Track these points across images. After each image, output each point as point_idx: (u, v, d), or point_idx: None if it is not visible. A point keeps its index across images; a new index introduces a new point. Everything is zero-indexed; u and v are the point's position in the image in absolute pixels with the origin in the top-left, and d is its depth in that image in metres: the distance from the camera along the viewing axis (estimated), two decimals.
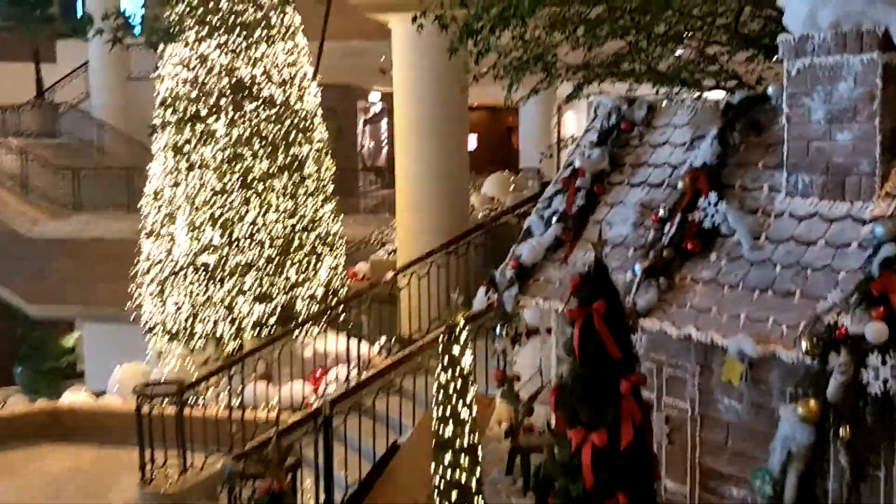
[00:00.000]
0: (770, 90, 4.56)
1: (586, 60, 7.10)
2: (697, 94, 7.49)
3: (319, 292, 10.68)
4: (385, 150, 27.37)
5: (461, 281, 9.35)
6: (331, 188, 11.14)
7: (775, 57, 6.75)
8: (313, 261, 10.65)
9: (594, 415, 3.22)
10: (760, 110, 4.58)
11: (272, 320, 10.28)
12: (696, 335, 4.05)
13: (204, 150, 10.23)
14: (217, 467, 8.26)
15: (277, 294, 10.33)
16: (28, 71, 21.41)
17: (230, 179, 10.19)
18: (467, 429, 4.46)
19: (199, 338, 10.25)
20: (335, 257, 11.03)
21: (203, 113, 10.20)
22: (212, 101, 10.24)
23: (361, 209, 18.86)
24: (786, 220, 4.12)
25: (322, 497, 6.95)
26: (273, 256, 10.34)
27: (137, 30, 10.80)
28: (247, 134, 10.26)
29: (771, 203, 4.24)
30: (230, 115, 10.24)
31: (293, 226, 10.49)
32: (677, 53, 7.24)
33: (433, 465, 4.65)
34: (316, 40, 11.37)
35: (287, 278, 10.41)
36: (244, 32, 10.32)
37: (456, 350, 4.42)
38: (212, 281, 10.22)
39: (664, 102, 5.24)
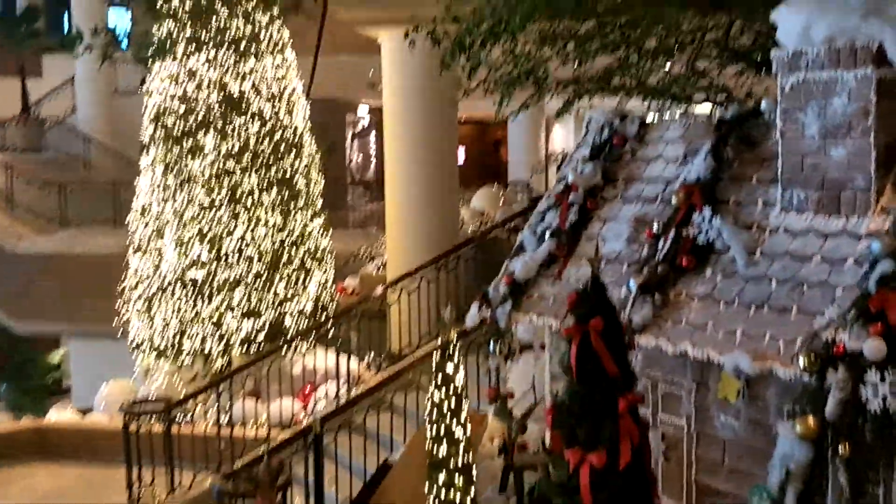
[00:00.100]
0: (763, 105, 4.55)
1: (576, 75, 7.10)
2: (684, 107, 7.50)
3: (308, 308, 10.61)
4: (373, 164, 27.35)
5: (451, 296, 9.30)
6: (320, 203, 11.10)
7: (765, 71, 6.80)
8: (302, 276, 10.59)
9: (592, 434, 3.18)
10: (753, 125, 4.57)
11: (261, 336, 10.20)
12: (692, 352, 4.02)
13: (192, 164, 10.17)
14: (206, 486, 8.16)
15: (266, 310, 10.26)
16: (13, 86, 21.28)
17: (219, 194, 10.13)
18: (461, 448, 4.41)
19: (187, 354, 10.16)
20: (324, 272, 10.96)
21: (192, 128, 10.15)
22: (200, 116, 10.19)
23: (350, 223, 18.80)
24: (781, 236, 4.10)
25: None
26: (262, 272, 10.27)
27: (124, 44, 10.76)
28: (236, 149, 10.21)
29: (766, 218, 4.22)
30: (219, 130, 10.19)
31: (282, 241, 10.43)
32: (665, 68, 7.25)
33: (427, 484, 4.59)
34: (305, 55, 11.34)
35: (276, 294, 10.34)
36: (233, 47, 10.28)
37: (449, 368, 4.38)
38: (200, 297, 10.14)
39: (655, 116, 5.24)
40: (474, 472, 4.63)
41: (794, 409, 3.58)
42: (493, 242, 10.06)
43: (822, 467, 3.46)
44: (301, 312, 10.53)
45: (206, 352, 10.15)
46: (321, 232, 10.99)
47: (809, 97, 3.97)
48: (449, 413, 4.40)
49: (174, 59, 10.29)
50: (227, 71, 10.29)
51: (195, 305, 10.13)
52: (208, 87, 10.25)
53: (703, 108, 7.67)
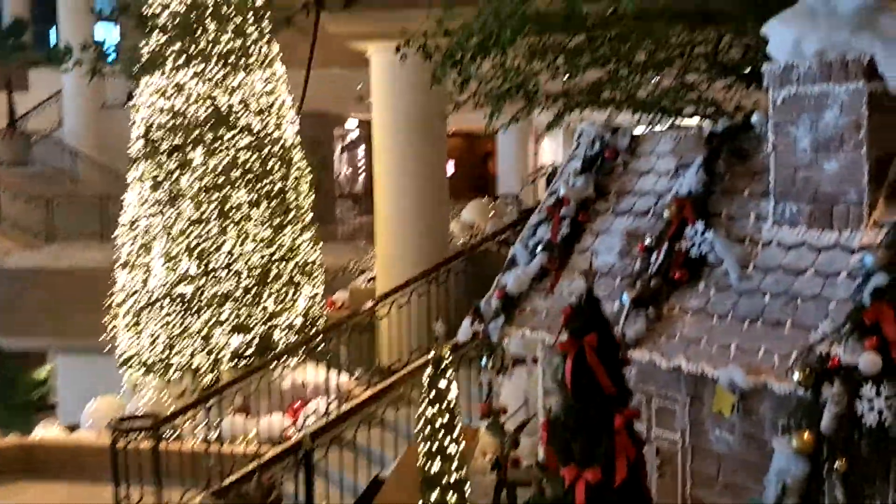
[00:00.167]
0: (754, 118, 4.55)
1: (566, 89, 7.11)
2: (671, 121, 7.52)
3: (298, 322, 10.56)
4: (362, 177, 27.35)
5: (442, 309, 9.28)
6: (309, 217, 11.07)
7: (754, 84, 6.83)
8: (291, 290, 10.54)
9: (587, 451, 3.15)
10: (744, 138, 4.57)
11: (250, 351, 10.14)
12: (687, 366, 4.00)
13: (181, 178, 10.13)
14: (195, 503, 8.09)
15: (255, 325, 10.20)
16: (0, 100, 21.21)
17: (207, 209, 10.09)
18: (454, 465, 4.37)
19: (176, 370, 10.09)
20: (313, 286, 10.92)
21: (180, 142, 10.12)
22: (189, 130, 10.16)
23: (339, 236, 18.77)
24: (774, 249, 4.09)
25: None
26: (250, 286, 10.22)
27: (111, 58, 10.73)
28: (224, 163, 10.18)
29: (758, 232, 4.21)
30: (207, 145, 10.16)
31: (271, 255, 10.39)
32: (653, 81, 7.27)
33: (420, 501, 4.55)
34: (292, 68, 11.33)
35: (265, 308, 10.29)
36: (222, 61, 10.26)
37: (443, 384, 4.34)
38: (188, 312, 10.07)
39: (645, 129, 5.25)
40: (467, 489, 4.59)
41: (789, 424, 3.56)
42: (483, 255, 10.06)
43: (819, 482, 3.44)
44: (290, 327, 10.48)
45: (195, 367, 10.08)
46: (310, 246, 10.95)
47: (801, 111, 3.97)
48: (442, 429, 4.36)
49: (162, 73, 10.27)
50: (215, 85, 10.26)
51: (184, 320, 10.06)
52: (197, 101, 10.22)
53: (689, 121, 7.71)
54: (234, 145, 10.22)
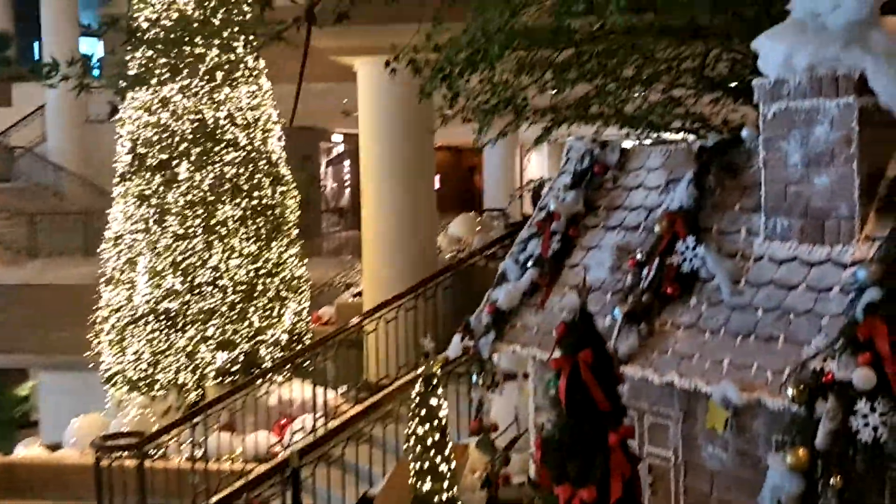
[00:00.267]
0: (744, 133, 4.55)
1: (554, 103, 7.11)
2: (655, 135, 7.54)
3: (284, 338, 10.49)
4: (348, 192, 27.31)
5: (429, 324, 9.23)
6: (295, 232, 11.02)
7: (741, 99, 6.86)
8: (277, 306, 10.48)
9: (582, 469, 3.11)
10: (735, 153, 4.57)
11: (235, 368, 10.06)
12: (679, 382, 3.97)
13: (167, 193, 10.08)
14: None
15: (241, 341, 10.13)
16: None
17: (193, 224, 10.03)
18: (446, 484, 4.32)
19: (161, 387, 9.99)
20: (299, 302, 10.86)
21: (165, 157, 10.07)
22: (174, 144, 10.11)
23: (324, 251, 18.72)
24: (765, 264, 4.08)
25: None
26: (236, 302, 10.15)
27: (96, 73, 10.67)
28: (210, 178, 10.13)
29: (749, 246, 4.20)
30: (193, 159, 10.11)
31: (257, 270, 10.33)
32: (640, 96, 7.29)
33: None
34: (277, 83, 11.31)
35: (251, 324, 10.22)
36: (208, 76, 10.23)
37: (434, 401, 4.30)
38: (173, 328, 10.00)
39: (633, 143, 5.25)
40: None
41: (783, 440, 3.53)
42: (471, 270, 10.02)
43: (814, 499, 3.41)
44: (276, 343, 10.41)
45: (180, 384, 9.99)
46: (296, 261, 10.91)
47: (792, 126, 3.97)
48: (433, 447, 4.31)
49: (148, 87, 10.23)
50: (201, 99, 10.23)
51: (169, 337, 9.98)
52: (182, 115, 10.18)
53: (673, 135, 7.73)
54: (220, 160, 10.17)
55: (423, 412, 4.33)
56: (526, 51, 6.49)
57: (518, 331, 4.86)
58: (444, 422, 4.38)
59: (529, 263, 4.99)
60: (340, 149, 26.97)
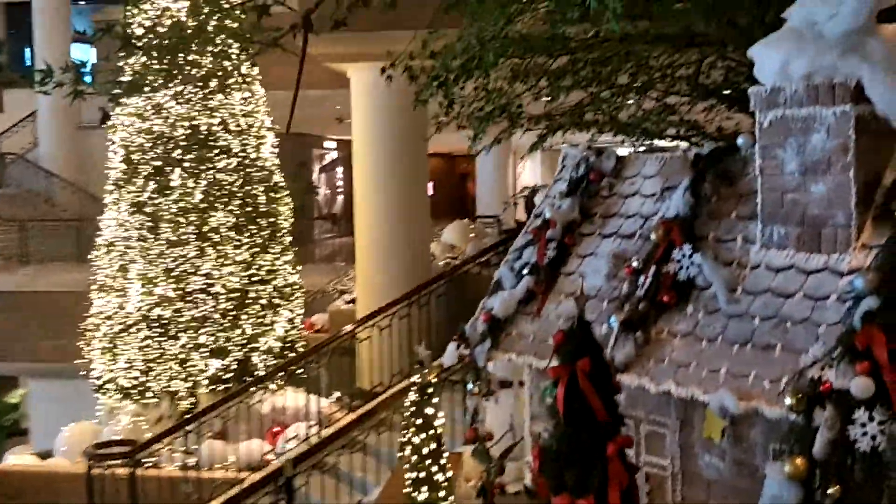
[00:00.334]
0: (739, 141, 4.55)
1: (548, 110, 7.11)
2: (649, 142, 7.54)
3: (277, 346, 10.45)
4: (340, 198, 27.28)
5: (423, 332, 9.21)
6: (288, 239, 10.99)
7: (735, 107, 6.86)
8: (270, 313, 10.44)
9: (581, 479, 3.09)
10: (730, 161, 4.56)
11: (228, 376, 10.01)
12: (676, 391, 3.96)
13: (159, 200, 10.04)
14: None
15: (233, 349, 10.08)
16: None
17: (185, 231, 9.99)
18: (442, 493, 4.29)
19: (153, 395, 9.94)
20: (292, 309, 10.82)
21: (159, 163, 10.03)
22: (168, 151, 10.07)
23: (317, 258, 18.68)
24: (762, 272, 4.07)
25: None
26: (229, 309, 10.11)
27: (89, 80, 10.61)
28: (203, 185, 10.10)
29: (746, 255, 4.19)
30: (186, 166, 10.07)
31: (250, 277, 10.29)
32: (635, 103, 7.29)
33: None
34: (273, 90, 11.28)
35: (243, 332, 10.18)
36: (201, 83, 10.20)
37: (430, 410, 4.27)
38: (166, 335, 9.95)
39: (627, 150, 5.24)
40: None
41: (781, 449, 3.52)
42: (465, 277, 10.01)
43: None
44: (269, 351, 10.36)
45: (173, 392, 9.94)
46: (289, 268, 10.87)
47: (788, 134, 3.96)
48: (429, 456, 4.28)
49: (141, 94, 10.19)
50: (194, 106, 10.20)
51: (161, 344, 9.93)
52: (176, 122, 10.15)
53: (665, 143, 7.73)
54: (213, 167, 10.13)
55: (419, 421, 4.30)
56: (521, 58, 6.48)
57: (514, 339, 4.85)
58: (440, 431, 4.35)
59: (525, 271, 4.97)
60: (333, 155, 26.95)
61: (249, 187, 10.36)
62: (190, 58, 10.11)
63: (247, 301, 10.18)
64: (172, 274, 9.90)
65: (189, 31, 10.02)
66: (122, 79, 10.11)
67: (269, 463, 8.96)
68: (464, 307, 5.40)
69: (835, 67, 3.73)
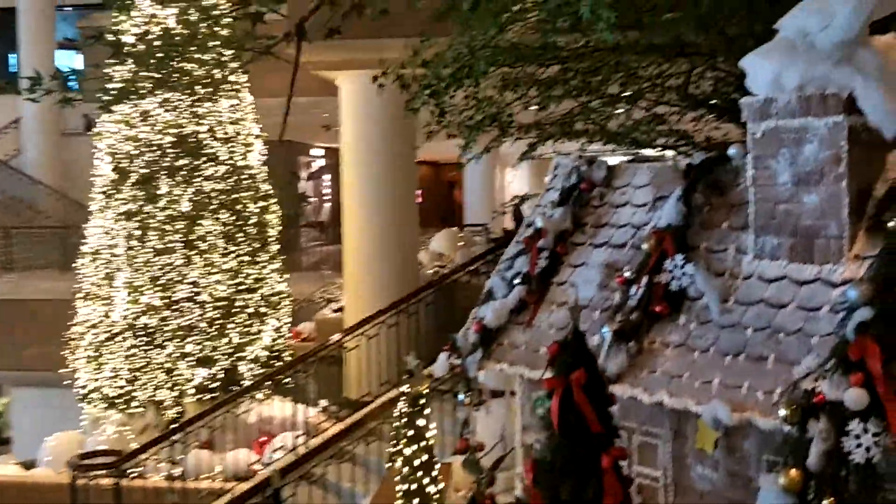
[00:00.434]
0: (731, 151, 4.55)
1: (538, 119, 7.11)
2: (636, 151, 7.56)
3: (264, 355, 10.38)
4: (328, 206, 27.20)
5: (412, 341, 9.17)
6: (276, 247, 10.93)
7: (725, 117, 6.88)
8: (257, 322, 10.37)
9: (576, 492, 3.07)
10: (722, 171, 4.56)
11: (215, 385, 9.94)
12: (669, 402, 3.94)
13: (146, 208, 9.96)
14: None
15: (220, 357, 10.00)
16: None
17: (172, 239, 9.92)
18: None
19: (138, 404, 9.84)
20: (279, 318, 10.76)
21: (146, 171, 9.96)
22: (155, 159, 10.01)
23: (304, 266, 18.59)
24: (754, 283, 4.07)
25: None
26: (216, 318, 10.04)
27: (74, 86, 10.56)
28: (191, 192, 10.03)
29: (738, 265, 4.18)
30: (174, 174, 10.01)
31: (237, 286, 10.22)
32: (625, 113, 7.31)
33: None
34: (261, 97, 11.24)
35: (230, 340, 10.11)
36: (189, 90, 10.14)
37: (421, 422, 4.24)
38: (152, 344, 9.86)
39: (614, 160, 5.24)
40: None
41: (774, 461, 3.51)
42: (454, 286, 9.98)
43: None
44: (256, 360, 10.30)
45: (158, 401, 9.85)
46: (277, 277, 10.81)
47: (781, 144, 3.97)
48: (420, 468, 4.25)
49: (129, 100, 10.13)
50: (182, 113, 10.14)
51: (147, 353, 9.84)
52: (163, 129, 10.09)
53: (654, 152, 7.75)
54: (200, 174, 10.07)
55: (411, 433, 4.27)
56: (511, 67, 6.48)
57: (505, 349, 4.82)
58: (431, 442, 4.32)
59: (517, 281, 4.95)
60: (321, 163, 26.88)
61: (237, 195, 10.30)
62: (179, 65, 10.04)
63: (233, 310, 10.11)
64: (159, 282, 9.82)
65: (180, 38, 9.97)
66: (111, 86, 10.05)
67: (257, 473, 8.89)
68: (453, 316, 5.38)
69: (827, 78, 3.73)
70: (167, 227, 9.89)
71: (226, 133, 10.37)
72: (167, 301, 9.85)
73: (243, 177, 10.45)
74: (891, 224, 3.59)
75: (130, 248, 9.95)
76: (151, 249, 9.89)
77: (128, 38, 10.09)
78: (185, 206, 9.95)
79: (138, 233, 9.93)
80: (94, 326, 10.18)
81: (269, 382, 9.64)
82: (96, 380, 10.09)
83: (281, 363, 10.35)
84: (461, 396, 4.93)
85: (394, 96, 6.85)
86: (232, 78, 10.52)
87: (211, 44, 10.09)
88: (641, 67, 6.64)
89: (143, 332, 9.84)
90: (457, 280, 10.20)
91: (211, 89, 10.25)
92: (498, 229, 16.55)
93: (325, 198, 27.57)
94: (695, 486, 4.11)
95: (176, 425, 9.12)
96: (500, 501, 5.52)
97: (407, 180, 10.77)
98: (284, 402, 9.63)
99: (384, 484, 6.21)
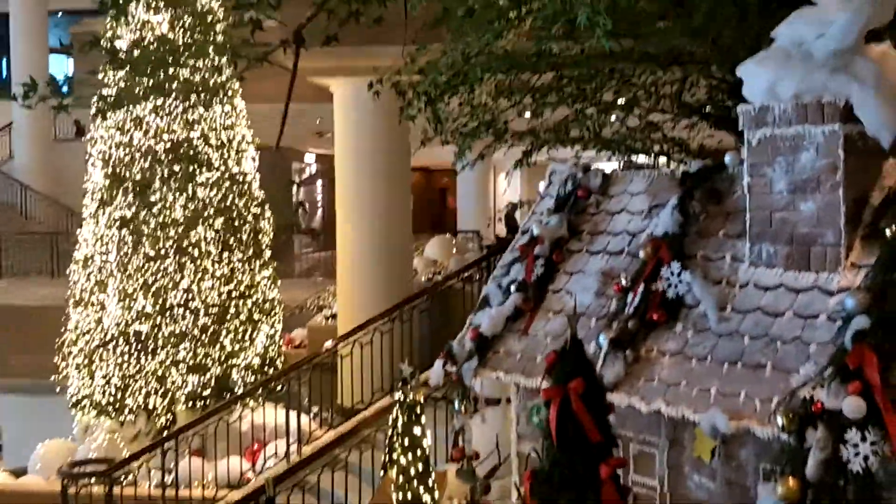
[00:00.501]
0: (727, 158, 4.55)
1: (533, 127, 7.11)
2: (629, 158, 7.55)
3: (256, 362, 10.33)
4: (320, 212, 27.15)
5: (406, 348, 9.14)
6: (268, 253, 10.89)
7: (719, 125, 6.89)
8: (250, 329, 10.32)
9: (574, 503, 3.05)
10: (718, 179, 4.56)
11: (207, 392, 9.88)
12: (666, 410, 3.93)
13: (138, 214, 9.92)
14: None
15: (212, 365, 9.95)
16: None
17: (164, 246, 9.87)
18: None
19: (130, 411, 9.78)
20: (272, 325, 10.71)
21: (138, 177, 9.92)
22: (147, 164, 9.96)
23: (297, 272, 18.56)
24: (751, 291, 4.06)
25: None
26: (208, 325, 9.99)
27: (66, 92, 10.52)
28: (183, 199, 9.99)
29: (735, 273, 4.18)
30: (165, 180, 9.97)
31: (229, 292, 10.17)
32: (619, 120, 7.31)
33: None
34: (254, 104, 11.21)
35: (222, 348, 10.06)
36: (181, 96, 10.11)
37: (417, 430, 4.22)
38: (143, 351, 9.81)
39: (609, 167, 5.24)
40: None
41: (772, 470, 3.50)
42: (448, 293, 9.96)
43: None
44: (249, 367, 10.24)
45: (150, 408, 9.79)
46: (270, 283, 10.77)
47: (777, 152, 3.97)
48: (416, 477, 4.22)
49: (122, 107, 10.09)
50: (175, 119, 10.10)
51: (138, 360, 9.79)
52: (156, 135, 10.05)
53: (648, 160, 7.75)
54: (193, 181, 10.03)
55: (406, 441, 4.24)
56: (505, 74, 6.48)
57: (501, 357, 4.80)
58: (427, 451, 4.30)
59: (513, 288, 4.94)
60: (313, 169, 26.85)
61: (229, 202, 10.26)
62: (174, 72, 10.01)
63: (226, 317, 10.06)
64: (151, 289, 9.77)
65: (177, 45, 9.93)
66: (106, 92, 10.01)
67: (249, 481, 8.83)
68: (447, 323, 5.36)
69: (824, 87, 3.74)
70: (159, 234, 9.84)
71: (219, 139, 10.33)
72: (159, 308, 9.79)
73: (237, 183, 10.41)
74: (888, 232, 3.60)
75: (123, 255, 9.90)
76: (144, 256, 9.84)
77: (121, 44, 10.05)
78: (178, 213, 9.91)
79: (130, 239, 9.88)
80: (85, 333, 10.12)
81: (262, 389, 9.59)
82: (88, 387, 10.03)
83: (274, 370, 10.30)
84: (457, 405, 4.90)
85: (388, 102, 6.84)
86: (227, 84, 10.49)
87: (207, 51, 10.06)
88: (636, 75, 6.65)
89: (136, 339, 9.79)
90: (451, 287, 10.18)
91: (204, 95, 10.21)
92: (490, 236, 16.56)
93: (317, 205, 27.53)
94: (692, 496, 4.10)
95: (168, 433, 9.06)
96: None
97: (401, 186, 10.76)
98: (277, 410, 9.58)
99: (378, 492, 6.17)
